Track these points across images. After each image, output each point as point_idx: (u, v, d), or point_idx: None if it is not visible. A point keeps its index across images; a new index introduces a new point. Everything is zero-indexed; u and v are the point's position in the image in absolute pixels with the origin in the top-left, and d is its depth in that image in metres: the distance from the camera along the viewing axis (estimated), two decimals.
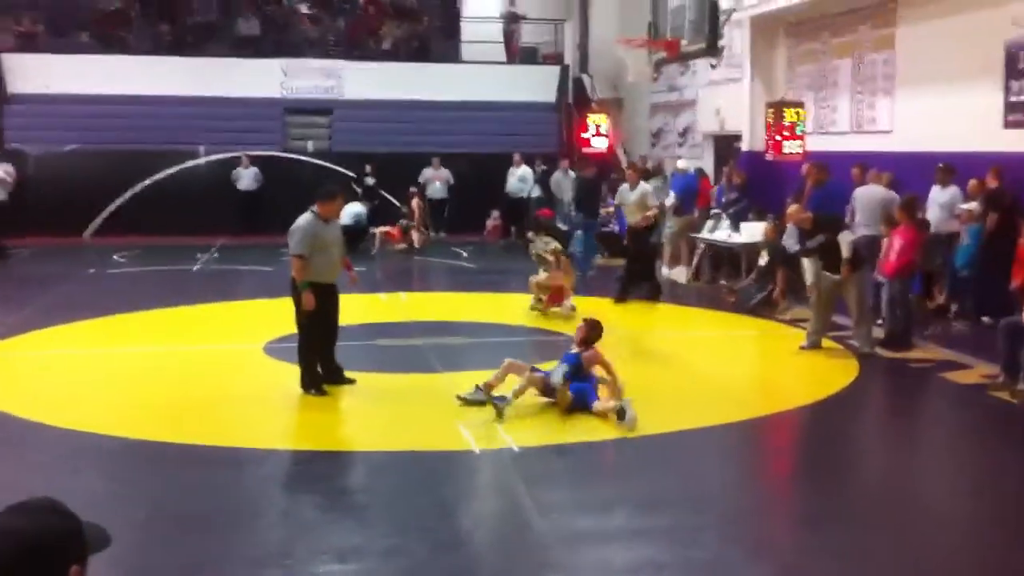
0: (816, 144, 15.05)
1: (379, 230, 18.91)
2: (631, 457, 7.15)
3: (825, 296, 10.36)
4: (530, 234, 13.44)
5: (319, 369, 8.62)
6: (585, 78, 23.78)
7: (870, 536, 5.58)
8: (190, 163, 21.04)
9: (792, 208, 11.05)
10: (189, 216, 19.66)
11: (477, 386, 7.98)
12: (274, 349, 10.12)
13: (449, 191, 21.23)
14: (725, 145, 18.64)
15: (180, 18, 23.27)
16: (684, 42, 20.06)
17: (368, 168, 20.76)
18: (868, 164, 13.20)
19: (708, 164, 18.93)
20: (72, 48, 21.87)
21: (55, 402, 8.29)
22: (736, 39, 17.55)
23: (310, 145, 21.92)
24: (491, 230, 21.57)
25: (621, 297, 13.33)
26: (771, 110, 14.93)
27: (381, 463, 7.05)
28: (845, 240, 10.17)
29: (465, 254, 18.79)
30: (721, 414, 8.06)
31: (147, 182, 20.56)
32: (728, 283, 14.53)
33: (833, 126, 15.50)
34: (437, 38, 24.53)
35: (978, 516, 6.14)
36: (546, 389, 7.96)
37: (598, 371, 8.13)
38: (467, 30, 24.82)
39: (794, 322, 11.84)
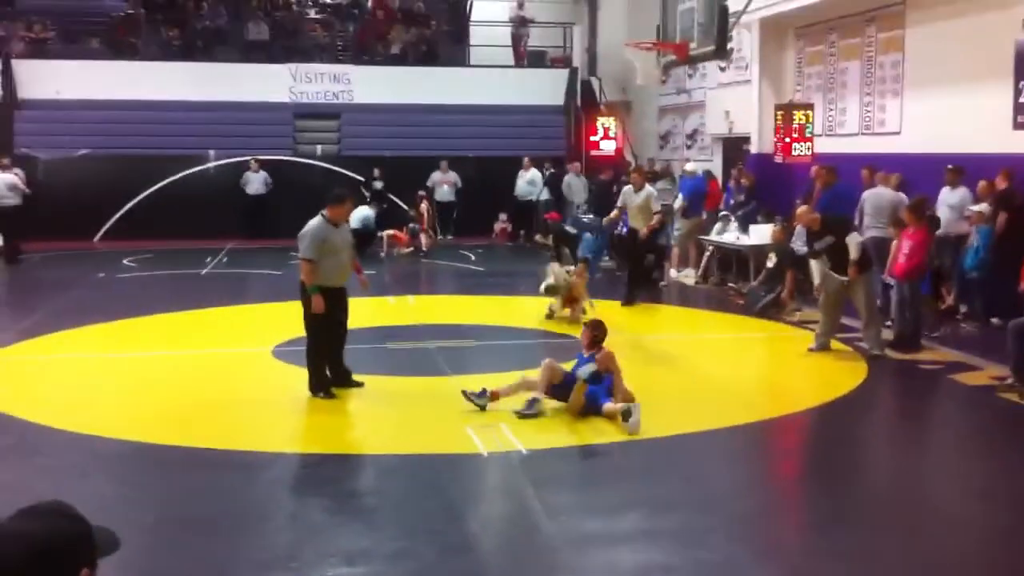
0: (825, 146, 15.05)
1: (386, 233, 18.97)
2: (639, 459, 7.15)
3: (832, 298, 10.34)
4: (538, 236, 13.48)
5: (327, 372, 8.65)
6: (593, 81, 23.79)
7: (879, 538, 5.57)
8: (199, 168, 21.11)
9: (801, 209, 11.05)
10: (199, 220, 19.76)
11: (484, 389, 8.01)
12: (283, 352, 10.15)
13: (457, 194, 21.26)
14: (734, 147, 18.64)
15: (189, 24, 23.36)
16: (693, 45, 20.03)
17: (377, 172, 20.82)
18: (877, 166, 13.18)
19: (717, 166, 18.94)
20: (82, 54, 21.96)
21: (64, 406, 8.33)
22: (745, 41, 17.54)
23: (319, 149, 21.98)
24: (499, 233, 21.59)
25: (629, 301, 13.34)
26: (780, 112, 14.94)
27: (389, 466, 7.06)
28: (853, 242, 10.16)
29: (473, 257, 18.80)
30: (729, 416, 8.05)
31: (157, 187, 20.63)
32: (736, 285, 14.52)
33: (842, 128, 15.48)
34: (445, 42, 24.55)
35: (987, 518, 6.11)
36: (564, 383, 7.95)
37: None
38: (475, 34, 24.83)
39: (802, 324, 11.83)
